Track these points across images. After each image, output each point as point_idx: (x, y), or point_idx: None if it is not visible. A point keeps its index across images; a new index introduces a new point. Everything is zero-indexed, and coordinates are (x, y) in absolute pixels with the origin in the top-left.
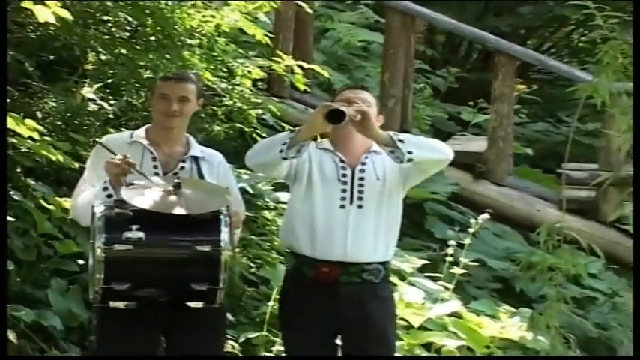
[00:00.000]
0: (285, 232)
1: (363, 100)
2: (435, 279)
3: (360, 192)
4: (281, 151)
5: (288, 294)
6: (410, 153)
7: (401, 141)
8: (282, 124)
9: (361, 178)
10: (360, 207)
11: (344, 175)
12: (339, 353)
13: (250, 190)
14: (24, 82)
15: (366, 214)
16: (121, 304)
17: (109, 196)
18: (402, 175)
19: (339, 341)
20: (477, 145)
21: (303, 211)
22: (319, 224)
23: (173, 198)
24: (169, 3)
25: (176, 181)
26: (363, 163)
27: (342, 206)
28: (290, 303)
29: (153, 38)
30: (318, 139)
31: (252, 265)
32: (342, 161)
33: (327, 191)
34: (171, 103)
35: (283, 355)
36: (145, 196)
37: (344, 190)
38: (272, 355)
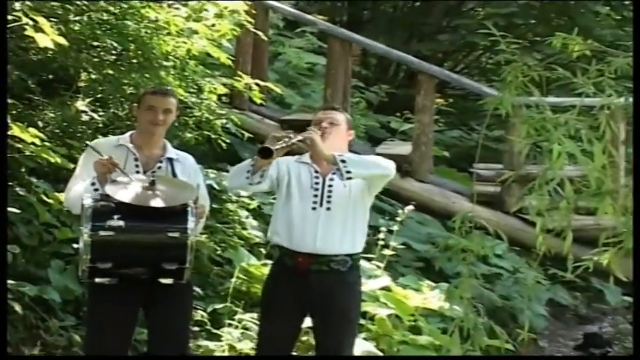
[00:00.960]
0: (271, 232)
1: (331, 119)
2: (369, 259)
3: (329, 197)
4: (247, 178)
5: (272, 278)
6: (348, 172)
7: (343, 161)
8: (242, 132)
9: (330, 185)
10: (328, 209)
11: (316, 183)
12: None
13: (216, 187)
14: (27, 96)
15: (334, 215)
16: (104, 280)
17: (96, 190)
18: (365, 184)
19: (309, 323)
20: (404, 148)
21: (283, 214)
22: (295, 223)
23: (149, 192)
24: (148, 31)
25: (152, 178)
26: (333, 173)
27: (314, 208)
28: (272, 286)
29: (135, 60)
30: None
31: (218, 248)
32: (316, 171)
33: (302, 196)
34: (157, 114)
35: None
36: (126, 191)
37: (315, 195)
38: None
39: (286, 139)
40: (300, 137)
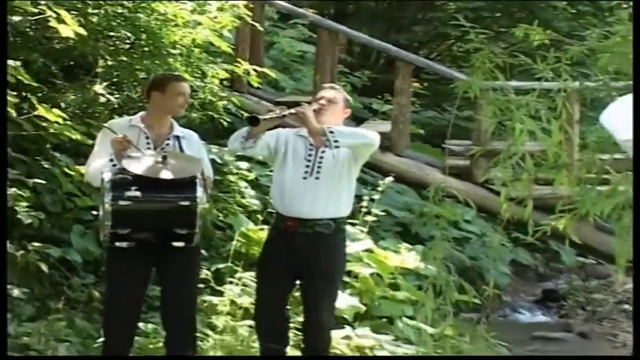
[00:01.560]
0: (272, 197)
1: (330, 98)
2: (353, 224)
3: (319, 168)
4: (241, 142)
5: (268, 242)
6: (336, 142)
7: (332, 132)
8: (242, 112)
9: (321, 157)
10: (317, 178)
11: (310, 155)
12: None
13: (219, 160)
14: (51, 81)
15: (321, 184)
16: (123, 244)
17: (114, 165)
18: (352, 155)
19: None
20: (384, 127)
21: (278, 181)
22: (286, 189)
23: (161, 166)
24: (158, 22)
25: (163, 153)
26: (326, 146)
27: (305, 177)
28: (268, 248)
29: (146, 49)
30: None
31: (220, 214)
32: (310, 144)
33: (295, 166)
34: (186, 98)
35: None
36: (140, 165)
37: (307, 166)
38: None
39: (277, 112)
40: (292, 111)
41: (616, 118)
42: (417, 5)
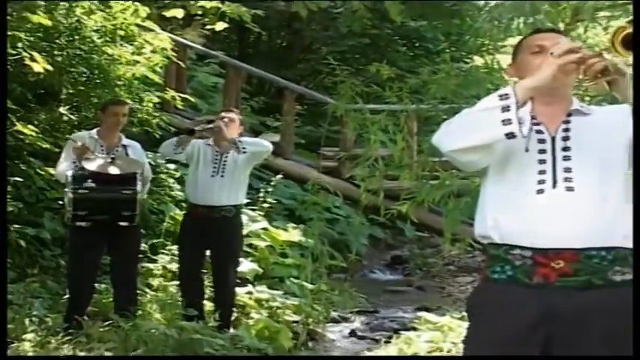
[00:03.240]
0: (187, 191)
1: (229, 117)
2: (253, 210)
3: (224, 168)
4: (174, 149)
5: (184, 224)
6: (244, 148)
7: (240, 142)
8: (170, 127)
9: (225, 160)
10: (222, 176)
11: (216, 158)
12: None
13: (153, 163)
14: (27, 104)
15: (225, 180)
16: (82, 224)
17: (76, 165)
18: (248, 159)
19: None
20: (275, 138)
21: (192, 179)
22: (199, 185)
23: (110, 165)
24: (107, 61)
25: (112, 156)
26: (228, 152)
27: (212, 176)
28: (184, 230)
29: (98, 81)
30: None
31: (154, 203)
32: (216, 151)
33: (205, 168)
34: (119, 117)
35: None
36: (94, 164)
37: (214, 168)
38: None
39: (203, 125)
40: (211, 125)
41: (441, 136)
42: (299, 49)
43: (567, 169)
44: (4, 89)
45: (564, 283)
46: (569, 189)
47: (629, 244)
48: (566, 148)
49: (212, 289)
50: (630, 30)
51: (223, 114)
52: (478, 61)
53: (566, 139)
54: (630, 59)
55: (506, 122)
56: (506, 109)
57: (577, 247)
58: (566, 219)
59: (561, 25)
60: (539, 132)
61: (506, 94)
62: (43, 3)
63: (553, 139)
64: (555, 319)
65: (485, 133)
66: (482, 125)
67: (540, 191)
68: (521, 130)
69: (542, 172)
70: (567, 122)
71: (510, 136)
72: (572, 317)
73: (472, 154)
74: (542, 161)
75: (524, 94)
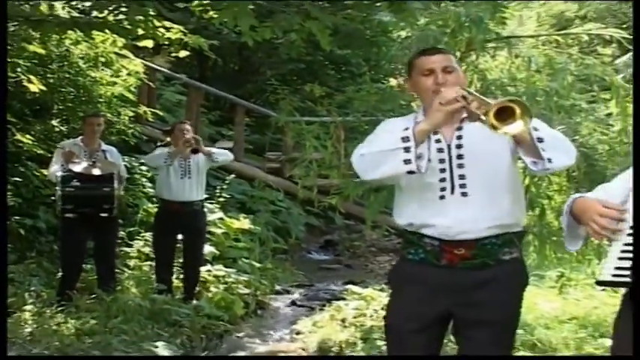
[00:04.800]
0: (158, 189)
1: (186, 129)
2: (212, 203)
3: (189, 170)
4: (164, 162)
5: (159, 217)
6: (217, 158)
7: (214, 153)
8: (143, 136)
9: (189, 165)
10: (189, 177)
11: (181, 163)
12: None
13: (129, 166)
14: (25, 118)
15: (192, 181)
16: (70, 215)
17: (64, 168)
18: (209, 163)
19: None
20: (229, 144)
21: (165, 181)
22: (172, 185)
23: (92, 167)
24: (90, 82)
25: (93, 160)
26: (190, 158)
27: (182, 177)
28: (159, 221)
29: (83, 98)
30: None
31: (130, 198)
32: (181, 157)
33: (174, 171)
34: (94, 127)
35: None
36: (79, 167)
37: (182, 171)
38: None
39: (192, 141)
40: (193, 141)
41: (357, 165)
42: (248, 72)
43: (462, 176)
44: (5, 105)
45: (465, 265)
46: (464, 194)
47: (519, 228)
48: (460, 156)
49: (182, 268)
50: (499, 106)
51: (180, 125)
52: (393, 82)
53: (459, 146)
54: (506, 129)
55: (407, 162)
56: (407, 150)
57: (473, 238)
58: (465, 218)
59: (458, 54)
60: (438, 141)
61: (407, 137)
62: (38, 35)
63: (449, 146)
64: (457, 289)
65: (391, 169)
66: (387, 163)
67: (442, 197)
68: (419, 167)
69: (442, 180)
70: (460, 129)
71: (411, 172)
72: (470, 287)
73: (383, 180)
74: (442, 170)
75: (421, 137)
